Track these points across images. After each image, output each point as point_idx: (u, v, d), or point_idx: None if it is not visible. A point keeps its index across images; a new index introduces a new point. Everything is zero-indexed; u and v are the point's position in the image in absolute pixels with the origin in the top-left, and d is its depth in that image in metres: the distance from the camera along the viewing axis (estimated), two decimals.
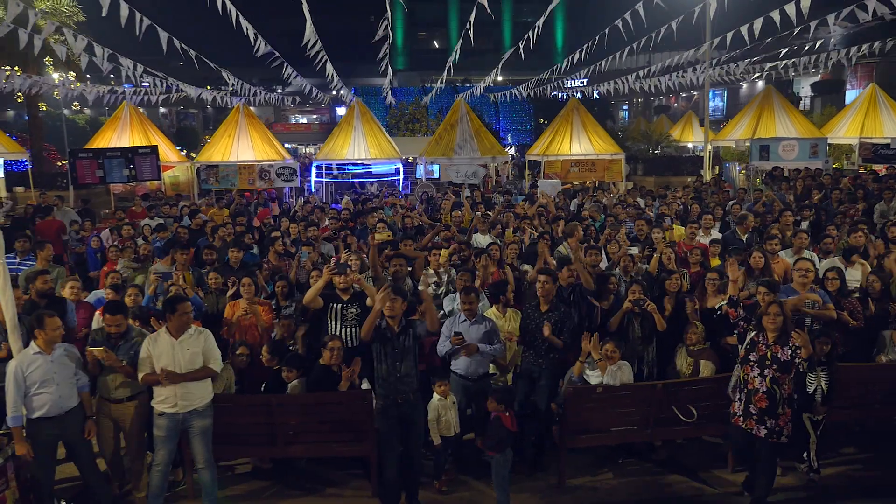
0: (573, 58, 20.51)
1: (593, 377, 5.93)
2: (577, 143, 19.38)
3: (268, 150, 18.49)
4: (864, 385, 6.37)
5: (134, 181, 17.57)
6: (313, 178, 19.30)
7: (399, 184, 19.39)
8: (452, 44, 79.68)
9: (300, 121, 69.38)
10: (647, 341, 6.40)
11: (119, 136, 18.81)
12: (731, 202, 13.22)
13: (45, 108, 27.22)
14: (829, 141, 20.47)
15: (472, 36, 16.05)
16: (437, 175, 19.95)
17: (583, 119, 19.72)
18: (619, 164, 19.28)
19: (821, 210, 12.23)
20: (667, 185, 20.07)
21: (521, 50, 18.31)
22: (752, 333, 5.45)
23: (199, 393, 5.39)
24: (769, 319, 5.34)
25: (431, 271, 7.90)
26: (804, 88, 41.50)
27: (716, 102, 50.89)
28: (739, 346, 5.54)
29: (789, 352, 5.29)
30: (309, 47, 15.59)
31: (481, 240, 9.87)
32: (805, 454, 6.11)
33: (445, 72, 25.85)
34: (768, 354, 5.33)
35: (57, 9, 20.41)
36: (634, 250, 8.50)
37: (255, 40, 14.89)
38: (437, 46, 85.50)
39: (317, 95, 32.81)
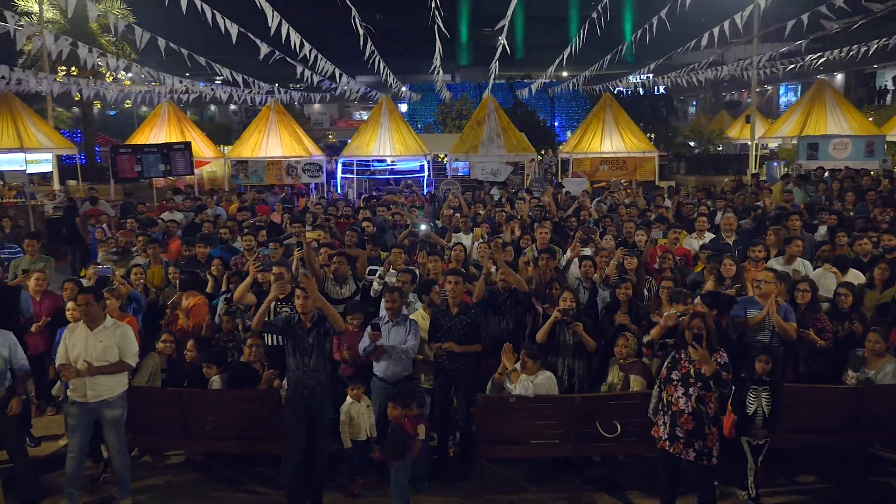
0: (634, 50, 19.94)
1: (517, 387, 5.69)
2: (609, 141, 18.74)
3: (295, 147, 18.85)
4: (815, 408, 5.82)
5: (169, 176, 18.30)
6: (339, 174, 19.51)
7: (423, 181, 19.33)
8: (518, 39, 79.32)
9: (363, 117, 70.69)
10: (579, 352, 6.06)
11: (157, 132, 19.62)
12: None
13: (99, 106, 28.77)
14: (889, 139, 18.97)
15: (534, 31, 15.83)
16: (467, 172, 19.75)
17: (615, 115, 19.06)
18: (653, 163, 18.52)
19: (846, 214, 11.36)
20: (710, 184, 19.12)
21: (586, 44, 17.85)
22: (674, 351, 5.09)
23: (110, 384, 5.51)
24: (690, 335, 4.97)
25: (393, 271, 7.80)
26: (889, 81, 38.78)
27: (788, 97, 48.16)
28: (662, 367, 5.20)
29: (719, 366, 4.91)
30: (368, 45, 15.63)
31: (463, 240, 9.71)
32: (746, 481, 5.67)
33: (494, 66, 25.41)
34: (691, 371, 4.96)
35: (108, 11, 21.47)
36: (587, 251, 8.11)
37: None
38: (501, 42, 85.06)
39: (375, 94, 33.39)
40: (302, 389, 5.40)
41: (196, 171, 21.02)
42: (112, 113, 48.66)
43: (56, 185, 20.06)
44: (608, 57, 26.75)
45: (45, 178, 20.87)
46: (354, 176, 19.36)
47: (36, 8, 20.52)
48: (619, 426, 5.63)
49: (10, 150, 17.23)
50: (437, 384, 6.11)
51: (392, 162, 19.55)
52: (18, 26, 16.09)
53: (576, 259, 7.74)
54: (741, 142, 30.77)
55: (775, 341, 6.20)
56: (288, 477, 5.48)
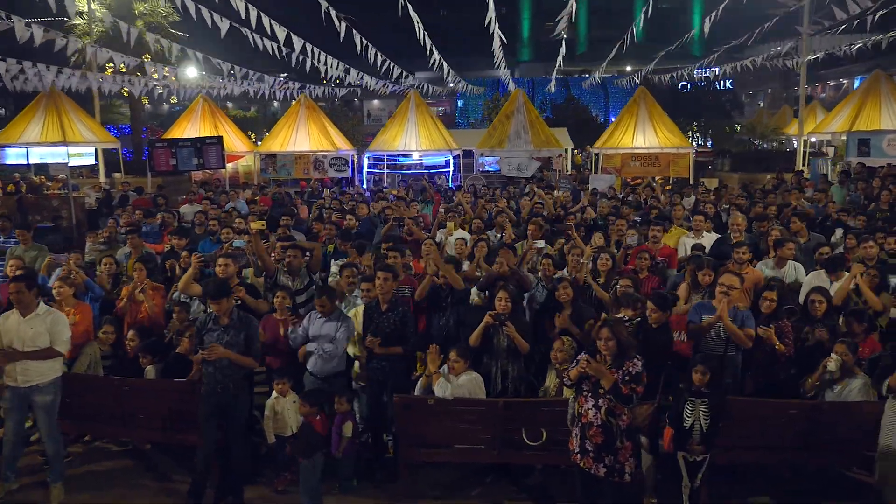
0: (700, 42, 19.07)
1: (436, 389, 5.46)
2: (641, 136, 18.01)
3: (323, 141, 19.03)
4: (766, 423, 5.32)
5: (202, 169, 18.84)
6: (365, 168, 19.56)
7: (449, 176, 19.13)
8: (581, 34, 77.73)
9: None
10: (513, 355, 5.75)
11: (192, 126, 20.21)
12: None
13: (146, 102, 29.93)
14: None
15: (596, 24, 15.37)
16: (497, 168, 19.43)
17: (650, 109, 18.29)
18: (687, 159, 17.66)
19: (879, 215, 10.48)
20: (754, 182, 18.09)
21: (650, 38, 17.13)
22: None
23: (41, 370, 5.62)
24: (601, 344, 4.63)
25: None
26: None
27: None
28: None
29: (627, 378, 4.56)
30: (428, 42, 15.62)
31: (458, 236, 9.48)
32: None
33: (559, 61, 24.72)
34: (601, 381, 4.63)
35: (154, 10, 22.34)
36: (541, 244, 7.73)
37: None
38: (564, 37, 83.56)
39: (433, 90, 33.40)
40: (215, 385, 5.37)
41: (232, 164, 21.64)
42: (179, 109, 50.82)
43: (102, 178, 21.02)
44: (665, 49, 25.64)
45: (93, 170, 21.90)
46: (385, 171, 19.34)
47: (86, 6, 21.49)
48: (544, 434, 5.31)
49: (53, 144, 18.15)
50: (367, 382, 5.96)
51: (419, 157, 19.44)
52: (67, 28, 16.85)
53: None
54: (807, 137, 29.00)
55: (731, 349, 5.72)
56: (196, 469, 5.45)
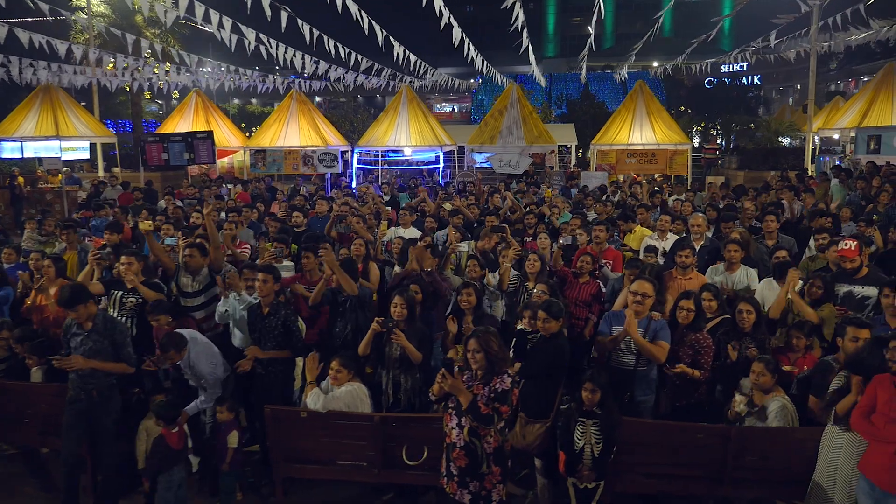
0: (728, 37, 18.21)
1: (308, 400, 5.07)
2: (638, 132, 17.30)
3: (313, 137, 18.74)
4: (671, 449, 4.79)
5: (192, 164, 18.73)
6: (354, 164, 19.23)
7: (440, 172, 18.68)
8: (608, 29, 76.39)
9: (444, 108, 70.67)
10: (405, 365, 5.31)
11: (185, 121, 20.14)
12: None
13: (148, 96, 30.06)
14: None
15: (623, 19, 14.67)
16: (489, 164, 18.91)
17: (647, 105, 17.56)
18: (685, 156, 16.91)
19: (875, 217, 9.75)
20: (760, 179, 17.24)
21: (677, 33, 16.34)
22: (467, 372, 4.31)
23: None
24: (469, 356, 4.19)
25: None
26: None
27: None
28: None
29: (491, 395, 4.10)
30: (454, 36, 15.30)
31: (406, 234, 9.09)
32: None
33: (585, 57, 23.87)
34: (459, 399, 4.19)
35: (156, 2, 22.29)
36: (464, 246, 7.26)
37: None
38: (590, 31, 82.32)
39: (456, 85, 32.93)
40: (80, 392, 5.08)
41: (228, 159, 21.56)
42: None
43: (101, 172, 21.11)
44: (693, 42, 24.57)
45: (94, 165, 22.02)
46: (374, 166, 18.99)
47: (84, 2, 21.61)
48: (426, 452, 4.87)
49: (47, 138, 18.24)
50: (253, 390, 5.60)
51: (411, 153, 19.03)
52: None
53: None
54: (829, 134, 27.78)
55: (642, 364, 5.19)
56: (62, 480, 5.16)
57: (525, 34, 15.48)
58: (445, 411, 4.28)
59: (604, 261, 7.48)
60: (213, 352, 5.60)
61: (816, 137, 19.43)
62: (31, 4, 14.51)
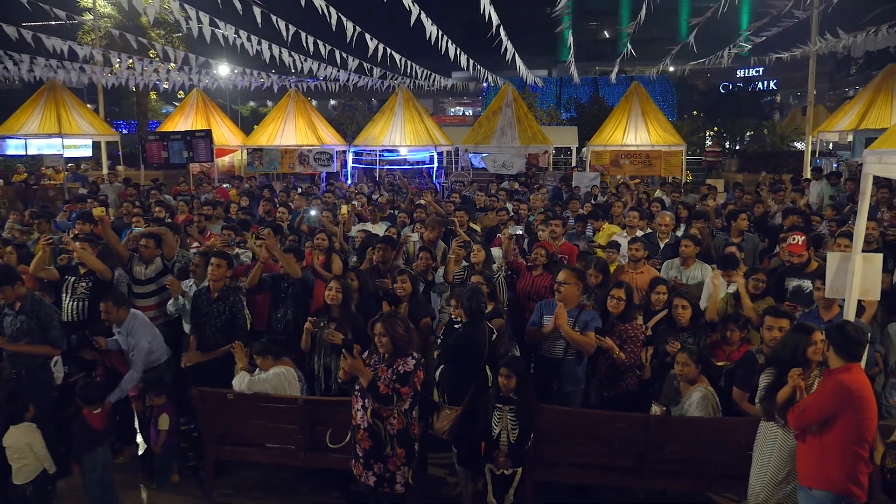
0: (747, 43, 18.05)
1: (234, 381, 5.13)
2: (633, 133, 17.22)
3: (309, 136, 18.89)
4: (585, 437, 4.77)
5: (191, 162, 18.98)
6: (349, 164, 19.35)
7: (433, 172, 18.73)
8: (623, 34, 76.05)
9: (457, 112, 70.90)
10: (336, 350, 5.33)
11: (185, 119, 20.41)
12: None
13: (154, 96, 30.48)
14: None
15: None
16: (483, 164, 18.92)
17: (643, 106, 17.47)
18: (679, 158, 16.79)
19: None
20: (752, 182, 17.05)
21: (696, 38, 16.33)
22: (364, 354, 4.36)
23: None
24: (375, 339, 4.24)
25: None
26: None
27: None
28: None
29: (394, 377, 4.14)
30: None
31: (377, 230, 9.15)
32: None
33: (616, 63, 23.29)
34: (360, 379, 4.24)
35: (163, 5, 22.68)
36: (415, 237, 7.29)
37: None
38: (606, 36, 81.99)
39: (472, 87, 32.97)
40: (9, 372, 5.23)
41: (228, 158, 21.80)
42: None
43: (104, 170, 21.47)
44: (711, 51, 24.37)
45: (98, 163, 22.38)
46: (370, 165, 19.09)
47: (91, 2, 22.02)
48: (350, 435, 4.89)
49: (49, 136, 18.60)
50: (191, 375, 5.68)
51: (406, 152, 19.11)
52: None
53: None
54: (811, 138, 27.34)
55: (570, 353, 5.19)
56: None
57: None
58: (352, 394, 4.32)
59: (559, 255, 7.47)
60: (155, 332, 5.70)
61: (821, 140, 19.13)
62: (28, 7, 14.81)
